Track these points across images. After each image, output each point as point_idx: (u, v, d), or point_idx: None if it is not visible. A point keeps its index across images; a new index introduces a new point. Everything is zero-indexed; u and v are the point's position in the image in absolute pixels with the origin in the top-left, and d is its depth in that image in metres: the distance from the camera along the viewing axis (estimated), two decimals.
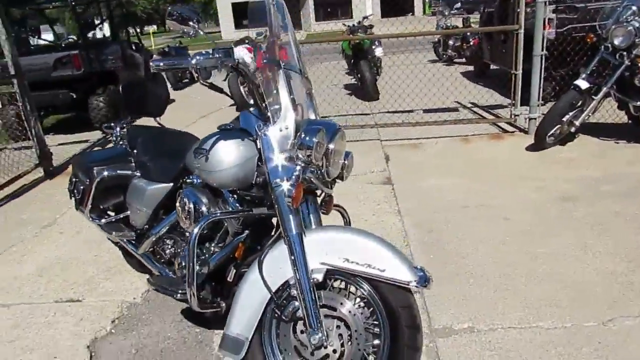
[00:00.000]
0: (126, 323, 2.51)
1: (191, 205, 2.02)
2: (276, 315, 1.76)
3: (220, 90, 1.81)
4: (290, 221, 1.72)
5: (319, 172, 1.77)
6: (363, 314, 1.73)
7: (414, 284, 1.62)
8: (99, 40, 9.87)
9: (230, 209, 1.99)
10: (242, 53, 1.67)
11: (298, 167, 1.69)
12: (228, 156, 1.86)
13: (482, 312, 2.34)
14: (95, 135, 7.19)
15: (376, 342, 1.72)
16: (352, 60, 8.17)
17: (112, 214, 2.63)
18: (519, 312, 2.32)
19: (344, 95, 8.14)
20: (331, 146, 1.75)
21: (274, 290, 1.72)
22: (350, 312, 1.71)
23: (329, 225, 1.86)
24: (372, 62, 8.04)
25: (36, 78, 6.98)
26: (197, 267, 1.84)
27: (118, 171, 2.51)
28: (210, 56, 1.61)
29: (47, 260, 3.27)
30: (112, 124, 2.78)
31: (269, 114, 1.76)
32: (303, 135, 1.66)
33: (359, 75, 8.00)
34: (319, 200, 1.95)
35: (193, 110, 8.29)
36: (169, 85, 10.05)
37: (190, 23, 1.62)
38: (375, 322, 1.72)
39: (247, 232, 2.00)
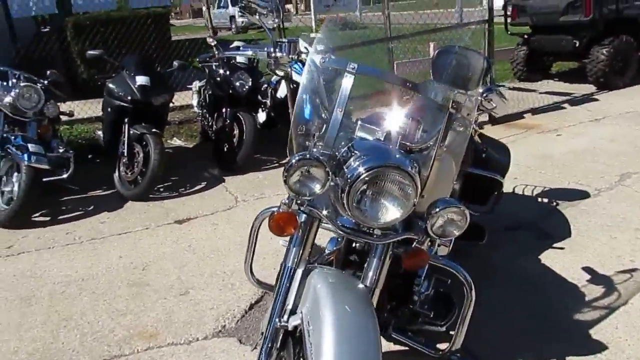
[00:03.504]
0: None
1: None
2: None
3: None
4: (290, 250, 1.49)
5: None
6: None
7: None
8: None
9: None
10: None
11: (288, 195, 1.40)
12: None
13: None
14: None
15: None
16: None
17: None
18: None
19: None
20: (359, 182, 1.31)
21: None
22: None
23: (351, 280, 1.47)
24: None
25: (546, 21, 6.94)
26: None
27: None
28: (265, 50, 1.49)
29: None
30: None
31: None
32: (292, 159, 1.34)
33: None
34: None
35: None
36: None
37: (256, 16, 1.50)
38: None
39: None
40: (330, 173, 1.32)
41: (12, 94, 3.66)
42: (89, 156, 4.94)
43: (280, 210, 1.41)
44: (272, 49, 1.45)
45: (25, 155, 3.48)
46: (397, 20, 6.62)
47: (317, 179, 1.33)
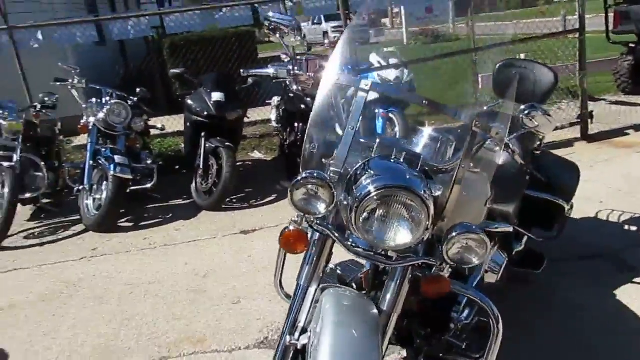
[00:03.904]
0: None
1: None
2: None
3: None
4: (303, 268, 1.49)
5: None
6: None
7: None
8: None
9: None
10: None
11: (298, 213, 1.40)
12: None
13: None
14: None
15: None
16: None
17: None
18: None
19: None
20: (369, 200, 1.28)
21: None
22: None
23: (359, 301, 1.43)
24: None
25: None
26: None
27: None
28: (285, 68, 1.50)
29: None
30: None
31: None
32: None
33: None
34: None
35: None
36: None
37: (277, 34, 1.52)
38: None
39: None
40: (335, 193, 1.31)
41: (104, 110, 4.05)
42: (176, 167, 5.30)
43: (291, 227, 1.42)
44: (291, 67, 1.47)
45: (112, 166, 3.82)
46: (486, 30, 6.39)
47: (322, 198, 1.32)
